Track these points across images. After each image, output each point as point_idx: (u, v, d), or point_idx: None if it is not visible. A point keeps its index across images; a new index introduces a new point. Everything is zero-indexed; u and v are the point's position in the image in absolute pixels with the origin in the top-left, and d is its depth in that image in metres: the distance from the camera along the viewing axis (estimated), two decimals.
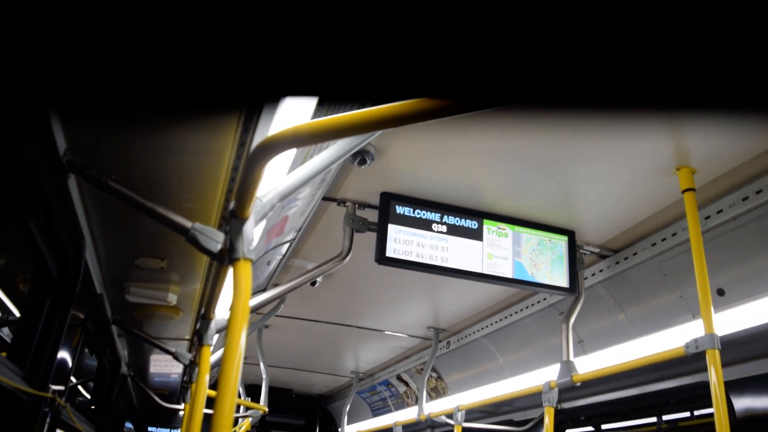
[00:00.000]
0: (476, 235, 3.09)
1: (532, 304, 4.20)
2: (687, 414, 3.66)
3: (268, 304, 3.57)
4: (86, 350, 3.93)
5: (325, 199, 3.05)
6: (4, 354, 2.05)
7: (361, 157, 2.66)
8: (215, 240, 1.55)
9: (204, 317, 2.36)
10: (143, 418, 7.97)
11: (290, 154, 1.99)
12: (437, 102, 0.96)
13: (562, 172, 2.78)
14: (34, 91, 0.87)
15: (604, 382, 3.77)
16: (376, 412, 7.48)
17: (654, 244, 3.21)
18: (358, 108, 1.10)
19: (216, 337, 2.46)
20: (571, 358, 3.48)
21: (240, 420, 5.31)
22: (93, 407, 4.67)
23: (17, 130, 1.43)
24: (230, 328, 1.29)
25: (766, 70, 0.78)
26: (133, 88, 0.84)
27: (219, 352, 3.67)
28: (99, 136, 1.60)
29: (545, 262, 3.21)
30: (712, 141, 2.50)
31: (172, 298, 2.78)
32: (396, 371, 6.46)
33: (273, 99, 1.34)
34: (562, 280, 3.23)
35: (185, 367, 3.94)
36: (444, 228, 3.02)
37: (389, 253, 2.89)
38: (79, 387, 4.89)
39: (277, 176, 1.95)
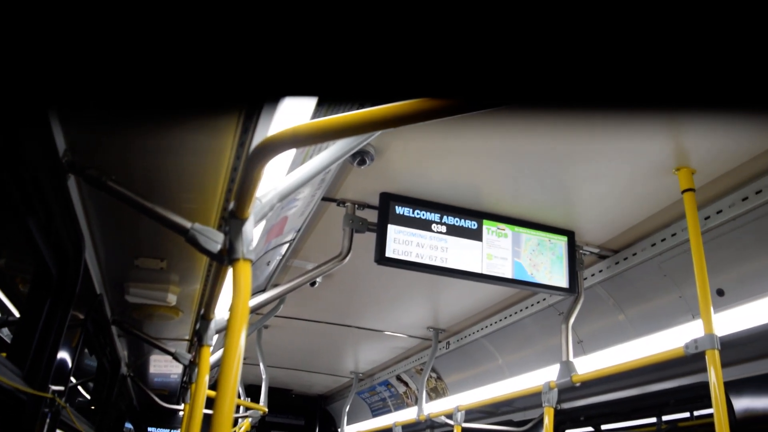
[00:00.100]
0: (476, 235, 3.09)
1: (532, 305, 4.20)
2: (687, 414, 3.66)
3: (268, 304, 3.57)
4: (86, 350, 3.93)
5: (324, 199, 3.05)
6: (3, 354, 2.05)
7: (360, 157, 2.66)
8: (215, 240, 1.55)
9: (204, 317, 2.36)
10: (143, 419, 7.96)
11: (290, 154, 1.99)
12: (437, 102, 0.96)
13: (562, 172, 2.78)
14: (34, 91, 0.87)
15: (604, 383, 3.77)
16: (376, 412, 7.48)
17: (654, 245, 3.21)
18: (358, 108, 1.10)
19: (216, 337, 2.46)
20: (571, 358, 3.48)
21: (240, 420, 5.31)
22: (93, 407, 4.67)
23: (17, 130, 1.43)
24: (230, 329, 1.29)
25: (765, 70, 0.78)
26: (132, 89, 0.84)
27: (219, 353, 3.67)
28: (99, 137, 1.60)
29: (545, 262, 3.21)
30: (712, 141, 2.50)
31: (172, 299, 2.78)
32: (396, 371, 6.46)
33: (272, 99, 1.34)
34: (561, 280, 3.23)
35: (185, 367, 3.94)
36: (443, 228, 3.02)
37: (389, 254, 2.89)
38: (79, 387, 4.88)
39: (277, 176, 1.95)
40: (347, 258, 3.04)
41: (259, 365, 5.46)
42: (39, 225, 1.89)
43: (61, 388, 2.47)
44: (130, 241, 2.36)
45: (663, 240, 3.15)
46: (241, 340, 1.28)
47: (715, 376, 2.38)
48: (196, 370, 2.48)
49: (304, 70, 0.80)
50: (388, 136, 2.51)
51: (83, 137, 1.60)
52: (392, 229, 2.93)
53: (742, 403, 3.04)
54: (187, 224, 1.59)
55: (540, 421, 4.35)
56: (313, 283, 4.09)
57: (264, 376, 5.46)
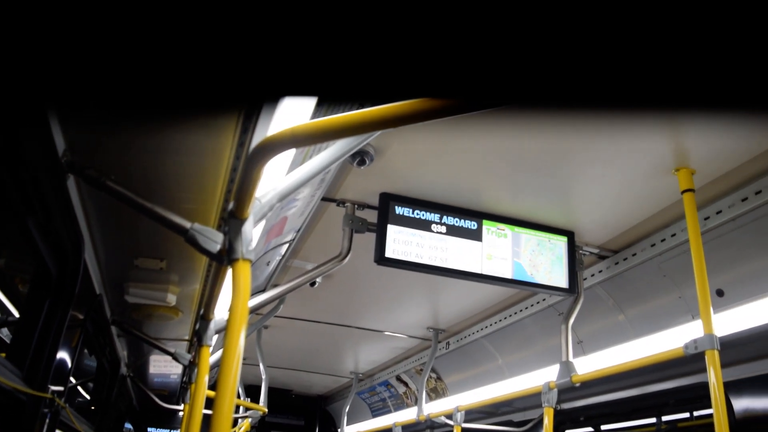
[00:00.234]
0: (475, 235, 3.09)
1: (532, 305, 4.20)
2: (686, 415, 3.66)
3: (268, 304, 3.57)
4: (85, 351, 3.93)
5: (324, 199, 3.05)
6: (3, 355, 2.05)
7: (360, 157, 2.66)
8: (214, 240, 1.55)
9: (203, 318, 2.35)
10: (143, 419, 7.96)
11: (289, 154, 1.99)
12: (437, 102, 0.96)
13: (562, 172, 2.78)
14: (33, 90, 0.87)
15: (604, 383, 3.77)
16: (376, 412, 7.48)
17: (653, 245, 3.21)
18: (358, 108, 1.10)
19: (215, 337, 2.46)
20: (571, 358, 3.48)
21: (239, 420, 5.30)
22: (92, 408, 4.67)
23: (16, 130, 1.43)
24: (229, 329, 1.29)
25: (765, 70, 0.78)
26: (132, 88, 0.84)
27: (218, 353, 3.67)
28: (98, 137, 1.60)
29: (544, 262, 3.21)
30: (712, 142, 2.50)
31: (172, 299, 2.78)
32: (395, 372, 6.46)
33: (272, 99, 1.34)
34: (561, 280, 3.23)
35: (184, 367, 3.94)
36: (443, 228, 3.02)
37: (388, 254, 2.89)
38: (79, 387, 4.88)
39: (277, 177, 1.95)
40: (347, 258, 3.03)
41: (258, 365, 5.46)
42: (38, 225, 1.89)
43: (61, 388, 2.47)
44: (130, 241, 2.36)
45: (663, 240, 3.15)
46: (240, 340, 1.28)
47: (714, 377, 2.38)
48: (196, 370, 2.48)
49: (304, 70, 0.80)
50: (387, 136, 2.51)
51: (83, 137, 1.60)
52: (392, 230, 2.92)
53: (742, 404, 3.04)
54: (187, 224, 1.59)
55: (540, 422, 4.35)
56: (312, 284, 4.09)
57: (264, 377, 5.46)
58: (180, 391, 5.78)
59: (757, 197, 2.62)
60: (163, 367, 5.25)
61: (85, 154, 1.65)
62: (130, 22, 0.75)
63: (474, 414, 5.14)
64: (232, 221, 1.40)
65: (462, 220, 3.07)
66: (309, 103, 1.72)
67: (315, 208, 3.04)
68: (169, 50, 0.78)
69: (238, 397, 5.37)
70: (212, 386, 1.62)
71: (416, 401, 5.74)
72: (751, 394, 3.02)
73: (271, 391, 5.75)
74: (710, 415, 2.38)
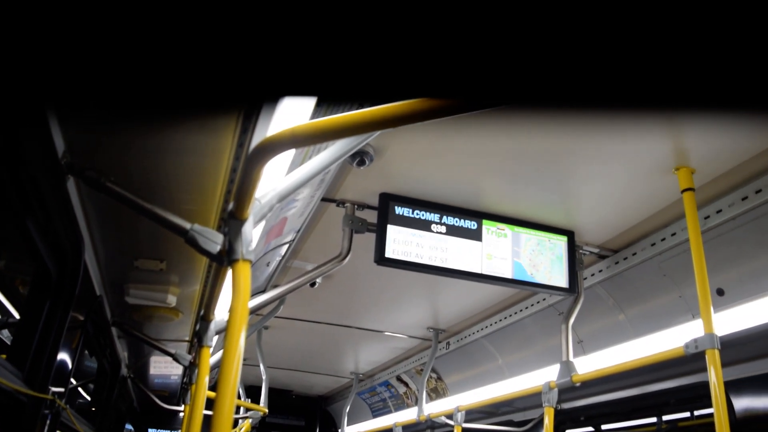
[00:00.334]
0: (475, 235, 3.09)
1: (532, 305, 4.20)
2: (687, 414, 3.66)
3: (268, 305, 3.57)
4: (86, 352, 3.93)
5: (324, 200, 3.05)
6: (3, 356, 2.05)
7: (360, 157, 2.66)
8: (214, 241, 1.55)
9: (203, 319, 2.35)
10: (143, 420, 7.96)
11: (289, 154, 1.99)
12: (437, 102, 0.96)
13: (562, 172, 2.78)
14: (33, 91, 0.87)
15: (604, 383, 3.77)
16: (376, 413, 7.48)
17: (653, 244, 3.21)
18: (358, 108, 1.09)
19: (216, 338, 2.46)
20: (571, 358, 3.48)
21: (240, 421, 5.30)
22: (93, 409, 4.67)
23: (16, 131, 1.43)
24: (229, 330, 1.29)
25: (765, 70, 0.78)
26: (131, 89, 0.84)
27: (219, 354, 3.66)
28: (98, 137, 1.60)
29: (544, 262, 3.21)
30: (712, 141, 2.50)
31: (172, 300, 2.78)
32: (396, 372, 6.46)
33: (272, 99, 1.34)
34: (561, 280, 3.23)
35: (185, 368, 3.93)
36: (443, 228, 3.02)
37: (388, 254, 2.89)
38: (79, 389, 4.88)
39: (276, 177, 1.95)
40: (347, 258, 3.03)
41: (259, 366, 5.46)
42: (38, 226, 1.89)
43: (61, 389, 2.47)
44: (130, 242, 2.36)
45: (663, 240, 3.14)
46: (240, 341, 1.28)
47: (715, 376, 2.38)
48: (196, 371, 2.48)
49: (304, 70, 0.80)
50: (387, 136, 2.51)
51: (82, 138, 1.60)
52: (392, 230, 2.92)
53: (742, 403, 3.04)
54: (187, 225, 1.59)
55: (540, 421, 4.35)
56: (312, 284, 4.09)
57: (264, 377, 5.46)
58: (180, 392, 5.78)
59: (757, 196, 2.62)
60: (163, 368, 5.25)
61: (85, 155, 1.65)
62: (129, 22, 0.75)
63: (474, 414, 5.14)
64: (231, 222, 1.40)
65: (462, 220, 3.07)
66: (309, 103, 1.72)
67: (315, 209, 3.04)
68: (168, 50, 0.78)
69: (239, 397, 5.37)
70: (213, 387, 1.62)
71: (417, 401, 5.74)
72: (751, 393, 3.02)
73: (272, 392, 5.75)
74: (711, 415, 2.38)
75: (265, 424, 8.06)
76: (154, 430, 8.24)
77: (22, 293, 2.97)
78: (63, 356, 2.73)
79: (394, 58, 0.79)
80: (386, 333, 5.40)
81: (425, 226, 2.99)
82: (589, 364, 3.65)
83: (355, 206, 3.09)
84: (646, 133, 2.45)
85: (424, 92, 0.93)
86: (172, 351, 3.66)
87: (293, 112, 1.64)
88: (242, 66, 0.80)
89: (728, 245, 2.81)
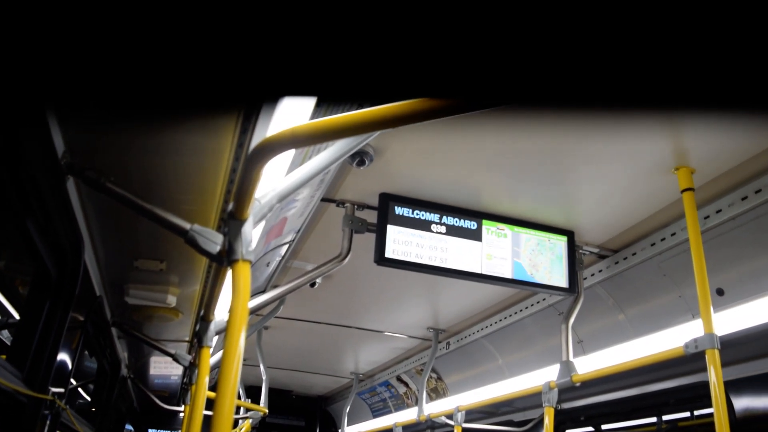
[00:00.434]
0: (475, 235, 3.09)
1: (532, 305, 4.20)
2: (687, 414, 3.66)
3: (268, 305, 3.57)
4: (86, 352, 3.93)
5: (324, 200, 3.05)
6: (3, 356, 2.04)
7: (359, 158, 2.65)
8: (214, 241, 1.55)
9: (203, 319, 2.35)
10: (143, 420, 7.96)
11: (289, 155, 1.99)
12: (437, 102, 0.96)
13: (562, 172, 2.78)
14: (32, 91, 0.87)
15: (604, 383, 3.77)
16: (376, 413, 7.48)
17: (653, 244, 3.21)
18: (357, 108, 1.09)
19: (216, 338, 2.46)
20: (571, 358, 3.48)
21: (240, 421, 5.30)
22: (93, 409, 4.67)
23: (15, 132, 1.43)
24: (229, 330, 1.29)
25: (765, 70, 0.78)
26: (131, 89, 0.84)
27: (219, 354, 3.66)
28: (97, 138, 1.60)
29: (544, 262, 3.21)
30: (711, 141, 2.50)
31: (172, 300, 2.78)
32: (396, 372, 6.46)
33: (271, 99, 1.34)
34: (561, 280, 3.23)
35: (185, 368, 3.93)
36: (443, 228, 3.02)
37: (388, 254, 2.89)
38: (79, 389, 4.88)
39: (276, 177, 1.95)
40: (347, 259, 3.03)
41: (259, 366, 5.46)
42: (38, 226, 1.89)
43: (61, 389, 2.47)
44: (130, 242, 2.36)
45: (662, 239, 3.14)
46: (240, 341, 1.28)
47: (715, 376, 2.38)
48: (196, 371, 2.48)
49: (303, 70, 0.80)
50: (387, 136, 2.51)
51: (82, 138, 1.60)
52: (392, 230, 2.92)
53: (742, 403, 3.04)
54: (186, 225, 1.59)
55: (540, 421, 4.35)
56: (312, 284, 4.09)
57: (264, 377, 5.46)
58: (180, 392, 5.78)
59: (756, 196, 2.62)
60: (163, 369, 5.25)
61: (85, 156, 1.65)
62: (129, 23, 0.75)
63: (474, 414, 5.14)
64: (231, 222, 1.40)
65: (462, 220, 3.07)
66: (308, 103, 1.72)
67: (315, 209, 3.04)
68: (168, 50, 0.78)
69: (239, 398, 5.37)
70: (213, 387, 1.62)
71: (417, 401, 5.74)
72: (751, 393, 3.02)
73: (272, 392, 5.75)
74: (711, 415, 2.38)
75: (265, 425, 8.05)
76: (154, 430, 8.24)
77: (22, 293, 2.97)
78: (63, 356, 2.73)
79: (394, 58, 0.79)
80: (386, 333, 5.40)
81: (425, 226, 2.99)
82: (589, 364, 3.65)
83: (355, 206, 3.09)
84: (645, 133, 2.45)
85: (424, 92, 0.93)
86: (172, 351, 3.66)
87: (293, 112, 1.64)
88: (242, 66, 0.80)
89: (728, 245, 2.81)
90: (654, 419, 3.84)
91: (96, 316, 3.07)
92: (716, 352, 2.43)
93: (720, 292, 2.89)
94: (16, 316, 3.04)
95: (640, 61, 0.79)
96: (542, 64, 0.80)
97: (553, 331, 3.96)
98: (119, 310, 3.26)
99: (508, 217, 3.19)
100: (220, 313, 2.44)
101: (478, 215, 3.12)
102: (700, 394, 3.32)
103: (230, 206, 1.40)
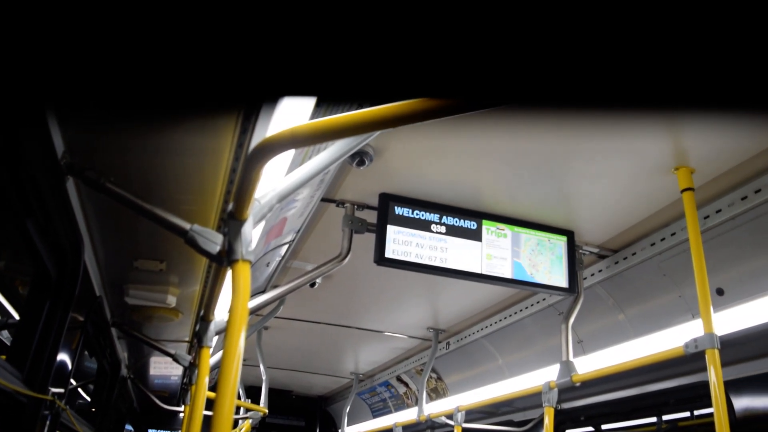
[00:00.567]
0: (475, 235, 3.09)
1: (532, 305, 4.20)
2: (687, 414, 3.66)
3: (268, 305, 3.57)
4: (86, 352, 3.93)
5: (323, 200, 3.05)
6: (3, 357, 2.04)
7: (359, 158, 2.65)
8: (214, 242, 1.54)
9: (203, 319, 2.35)
10: (143, 420, 7.96)
11: (289, 155, 1.99)
12: (437, 102, 0.96)
13: (561, 172, 2.78)
14: (32, 92, 0.86)
15: (604, 383, 3.77)
16: (376, 413, 7.48)
17: (653, 244, 3.21)
18: (357, 108, 1.09)
19: (215, 338, 2.46)
20: (571, 358, 3.48)
21: (240, 422, 5.30)
22: (93, 409, 4.67)
23: (15, 132, 1.42)
24: (229, 330, 1.29)
25: (765, 70, 0.78)
26: (131, 89, 0.84)
27: (218, 354, 3.66)
28: (97, 138, 1.60)
29: (544, 262, 3.21)
30: (711, 140, 2.50)
31: (172, 300, 2.78)
32: (396, 372, 6.46)
33: (271, 99, 1.34)
34: (561, 280, 3.23)
35: (185, 369, 3.93)
36: (443, 228, 3.02)
37: (388, 254, 2.89)
38: (79, 389, 4.88)
39: (276, 177, 1.95)
40: (347, 259, 3.03)
41: (259, 366, 5.46)
42: (38, 227, 1.89)
43: (61, 390, 2.47)
44: (129, 242, 2.36)
45: (662, 239, 3.15)
46: (240, 341, 1.28)
47: (715, 376, 2.38)
48: (196, 371, 2.48)
49: (303, 70, 0.80)
50: (387, 136, 2.51)
51: (81, 138, 1.60)
52: (391, 230, 2.92)
53: (742, 403, 3.04)
54: (186, 225, 1.59)
55: (540, 421, 4.35)
56: (312, 284, 4.09)
57: (264, 378, 5.46)
58: (180, 392, 5.78)
59: (756, 196, 2.62)
60: (163, 369, 5.25)
61: (84, 156, 1.65)
62: (129, 23, 0.74)
63: (474, 414, 5.14)
64: (231, 222, 1.40)
65: (461, 220, 3.07)
66: (308, 103, 1.72)
67: (314, 209, 3.04)
68: (167, 50, 0.78)
69: (239, 398, 5.37)
70: (213, 387, 1.62)
71: (417, 401, 5.74)
72: (751, 392, 3.02)
73: (272, 392, 5.75)
74: (711, 414, 2.38)
75: (265, 425, 8.05)
76: (154, 430, 8.24)
77: (21, 294, 2.97)
78: (63, 357, 2.73)
79: (394, 58, 0.79)
80: (386, 333, 5.40)
81: (425, 226, 2.99)
82: (589, 364, 3.65)
83: (355, 206, 3.09)
84: (645, 133, 2.45)
85: (424, 92, 0.93)
86: (172, 351, 3.66)
87: (293, 112, 1.64)
88: (242, 66, 0.80)
89: (728, 245, 2.81)
90: (654, 419, 3.84)
91: (96, 317, 3.07)
92: (716, 351, 2.43)
93: (720, 292, 2.89)
94: (16, 317, 3.04)
95: (640, 61, 0.79)
96: (542, 64, 0.80)
97: (553, 331, 3.96)
98: (119, 311, 3.26)
99: (507, 217, 3.19)
100: (220, 313, 2.44)
101: (478, 215, 3.12)
102: (700, 394, 3.32)
103: (230, 206, 1.40)
